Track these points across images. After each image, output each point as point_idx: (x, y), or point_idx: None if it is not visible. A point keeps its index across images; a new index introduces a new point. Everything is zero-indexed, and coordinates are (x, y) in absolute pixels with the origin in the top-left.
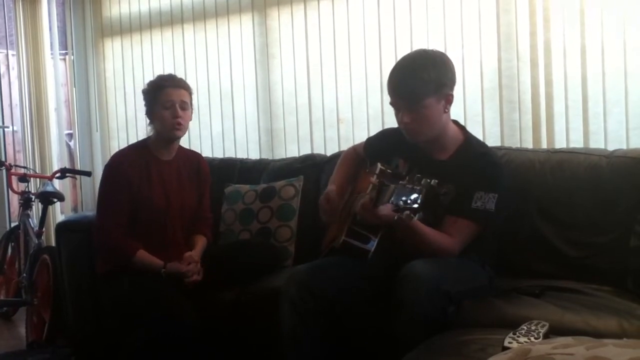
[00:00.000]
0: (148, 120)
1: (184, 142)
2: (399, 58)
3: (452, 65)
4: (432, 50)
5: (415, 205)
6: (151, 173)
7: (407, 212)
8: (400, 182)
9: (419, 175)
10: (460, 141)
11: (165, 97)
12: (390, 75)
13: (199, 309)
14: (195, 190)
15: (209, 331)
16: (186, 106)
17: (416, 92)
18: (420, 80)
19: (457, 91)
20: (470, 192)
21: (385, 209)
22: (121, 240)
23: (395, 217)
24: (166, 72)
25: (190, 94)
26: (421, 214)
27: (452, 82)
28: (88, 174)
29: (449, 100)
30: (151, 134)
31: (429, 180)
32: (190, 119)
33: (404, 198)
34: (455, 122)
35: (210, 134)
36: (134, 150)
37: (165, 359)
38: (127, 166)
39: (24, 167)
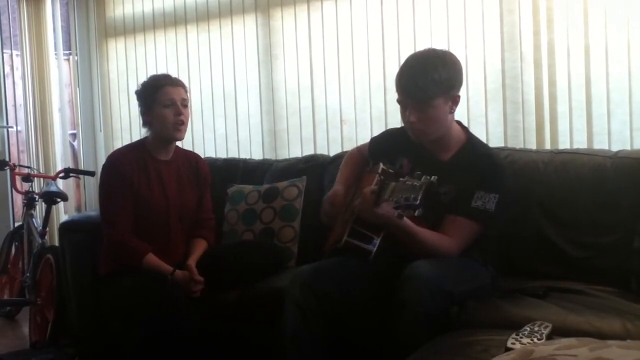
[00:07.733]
0: (142, 122)
1: (187, 142)
2: (402, 59)
3: (461, 66)
4: (441, 50)
5: (416, 202)
6: (150, 173)
7: (399, 211)
8: (401, 179)
9: (419, 172)
10: (462, 141)
11: (165, 96)
12: (400, 73)
13: (201, 309)
14: (195, 191)
15: (210, 331)
16: (186, 103)
17: (426, 92)
18: (432, 80)
19: (460, 91)
20: (471, 191)
21: (384, 208)
22: (132, 238)
23: (396, 214)
24: (170, 73)
25: (187, 91)
26: (421, 210)
27: (460, 83)
28: (91, 174)
29: (455, 101)
30: (148, 134)
31: (429, 177)
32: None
33: (404, 195)
34: (458, 123)
35: (214, 135)
36: (131, 150)
37: (167, 358)
38: (126, 165)
39: (28, 167)
